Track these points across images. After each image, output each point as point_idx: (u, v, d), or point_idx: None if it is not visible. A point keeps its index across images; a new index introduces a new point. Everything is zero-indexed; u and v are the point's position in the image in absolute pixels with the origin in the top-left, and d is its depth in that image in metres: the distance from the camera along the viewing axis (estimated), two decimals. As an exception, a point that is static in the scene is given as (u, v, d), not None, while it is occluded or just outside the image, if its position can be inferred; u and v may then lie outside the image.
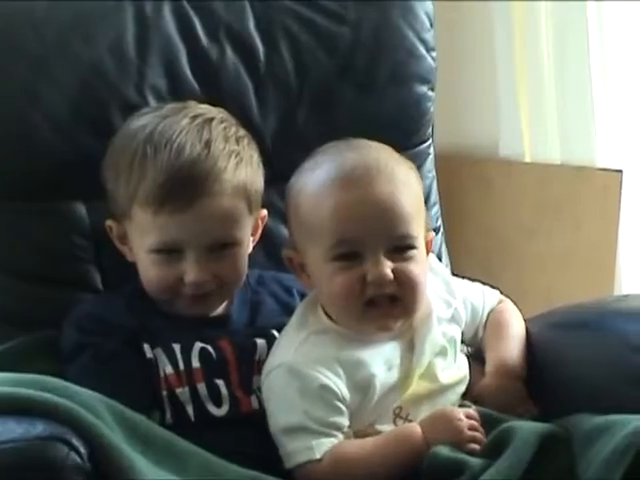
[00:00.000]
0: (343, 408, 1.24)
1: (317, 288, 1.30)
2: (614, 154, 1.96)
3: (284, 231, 1.42)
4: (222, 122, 1.34)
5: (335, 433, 1.24)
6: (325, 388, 1.24)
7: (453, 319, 1.35)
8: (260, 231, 1.39)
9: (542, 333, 1.38)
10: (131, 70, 1.45)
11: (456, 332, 1.35)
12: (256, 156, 1.36)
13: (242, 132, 1.36)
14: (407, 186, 1.27)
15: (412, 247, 1.26)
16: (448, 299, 1.36)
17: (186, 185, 1.28)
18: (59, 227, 1.43)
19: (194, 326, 1.34)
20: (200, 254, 1.30)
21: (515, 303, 1.42)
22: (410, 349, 1.30)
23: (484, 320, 1.40)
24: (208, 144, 1.30)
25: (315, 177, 1.27)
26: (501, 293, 1.43)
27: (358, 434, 1.26)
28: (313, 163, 1.29)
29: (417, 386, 1.29)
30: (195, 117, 1.32)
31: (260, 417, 1.27)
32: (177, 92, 1.46)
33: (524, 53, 1.99)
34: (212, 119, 1.33)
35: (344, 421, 1.24)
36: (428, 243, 1.32)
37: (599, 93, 1.94)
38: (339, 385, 1.24)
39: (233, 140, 1.32)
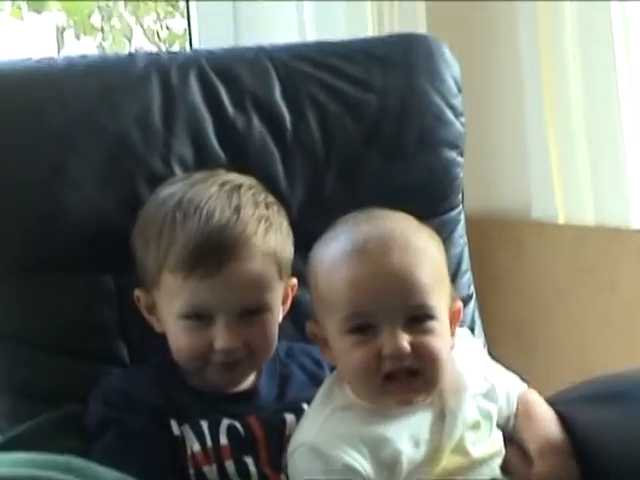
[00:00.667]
0: None
1: (337, 361, 1.27)
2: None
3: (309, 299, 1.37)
4: (251, 188, 1.33)
5: None
6: (349, 468, 1.19)
7: (489, 395, 1.30)
8: (290, 300, 1.37)
9: (578, 409, 1.33)
10: (157, 141, 1.43)
11: (492, 408, 1.30)
12: (285, 223, 1.35)
13: (271, 199, 1.35)
14: (424, 255, 1.23)
15: (430, 318, 1.22)
16: (485, 373, 1.32)
17: (216, 250, 1.26)
18: (86, 299, 1.40)
19: (221, 402, 1.31)
20: (230, 320, 1.28)
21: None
22: (440, 422, 1.25)
23: (515, 407, 1.34)
24: (237, 210, 1.28)
25: (331, 250, 1.26)
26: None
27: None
28: (331, 235, 1.28)
29: (447, 462, 1.24)
30: (224, 184, 1.31)
31: None
32: (203, 162, 1.43)
33: (554, 115, 1.95)
34: (241, 186, 1.32)
35: None
36: (455, 313, 1.28)
37: (633, 151, 1.88)
38: (363, 464, 1.20)
39: (263, 206, 1.31)
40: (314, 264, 1.27)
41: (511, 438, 1.31)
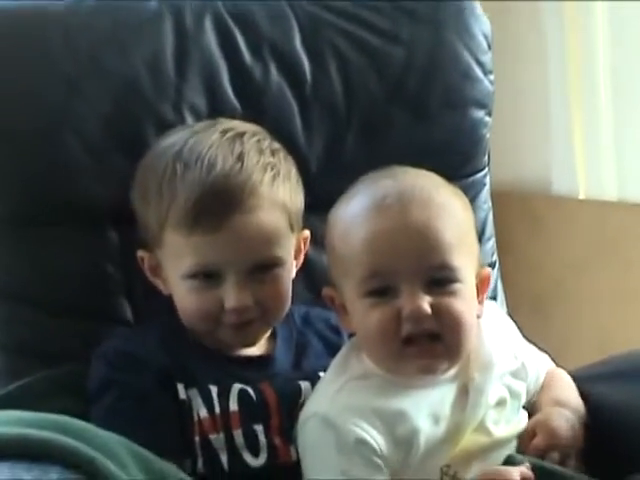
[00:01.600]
0: (382, 466, 1.10)
1: (355, 327, 1.17)
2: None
3: (326, 262, 1.28)
4: (255, 135, 1.23)
5: None
6: (362, 442, 1.10)
7: (518, 374, 1.20)
8: (303, 255, 1.27)
9: (598, 387, 1.24)
10: (168, 87, 1.33)
11: (521, 387, 1.20)
12: (294, 171, 1.25)
13: (277, 145, 1.25)
14: (447, 212, 1.13)
15: (453, 280, 1.12)
16: (515, 351, 1.21)
17: (219, 201, 1.17)
18: (88, 254, 1.30)
19: (234, 366, 1.22)
20: (240, 277, 1.18)
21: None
22: (463, 398, 1.15)
23: (541, 385, 1.25)
24: (241, 157, 1.19)
25: (349, 208, 1.16)
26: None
27: (401, 495, 1.11)
28: (350, 193, 1.18)
29: (467, 441, 1.14)
30: (225, 131, 1.22)
31: (299, 469, 1.14)
32: (217, 112, 1.33)
33: (579, 84, 1.88)
34: (244, 133, 1.23)
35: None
36: (483, 280, 1.18)
37: None
38: (377, 439, 1.10)
39: (268, 152, 1.22)
40: (332, 225, 1.18)
41: (530, 414, 1.22)
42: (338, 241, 1.16)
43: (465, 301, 1.13)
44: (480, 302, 1.17)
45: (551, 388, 1.23)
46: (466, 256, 1.14)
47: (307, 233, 1.27)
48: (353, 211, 1.15)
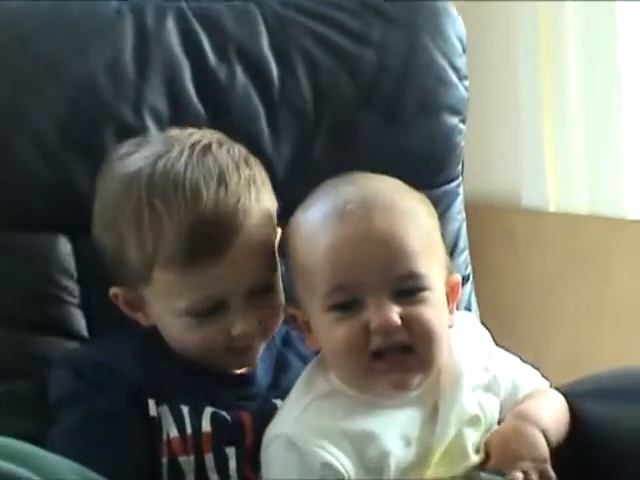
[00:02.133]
0: None
1: (320, 343, 1.10)
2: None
3: None
4: (221, 144, 1.14)
5: None
6: (328, 467, 1.02)
7: (490, 388, 1.12)
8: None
9: (587, 404, 1.17)
10: (128, 89, 1.26)
11: (494, 403, 1.12)
12: (264, 172, 1.18)
13: (243, 150, 1.17)
14: (411, 218, 1.07)
15: (422, 288, 1.05)
16: (486, 363, 1.13)
17: (214, 232, 1.08)
18: (40, 264, 1.22)
19: (212, 384, 1.14)
20: (245, 301, 1.11)
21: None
22: (433, 418, 1.08)
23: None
24: (222, 179, 1.10)
25: (308, 216, 1.09)
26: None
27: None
28: (309, 201, 1.11)
29: (441, 466, 1.06)
30: (193, 146, 1.12)
31: None
32: (180, 115, 1.26)
33: (550, 94, 1.83)
34: (210, 144, 1.14)
35: None
36: (453, 288, 1.11)
37: (631, 138, 1.77)
38: (344, 463, 1.03)
39: (243, 164, 1.14)
40: (290, 235, 1.11)
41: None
42: (298, 253, 1.09)
43: (435, 309, 1.06)
44: (450, 311, 1.10)
45: (524, 402, 1.15)
46: (433, 263, 1.07)
47: (278, 231, 1.19)
48: (312, 219, 1.08)
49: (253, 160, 1.17)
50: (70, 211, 1.21)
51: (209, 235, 1.08)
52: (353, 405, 1.06)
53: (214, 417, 1.11)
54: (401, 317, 1.03)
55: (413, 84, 1.35)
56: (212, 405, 1.11)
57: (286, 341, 1.21)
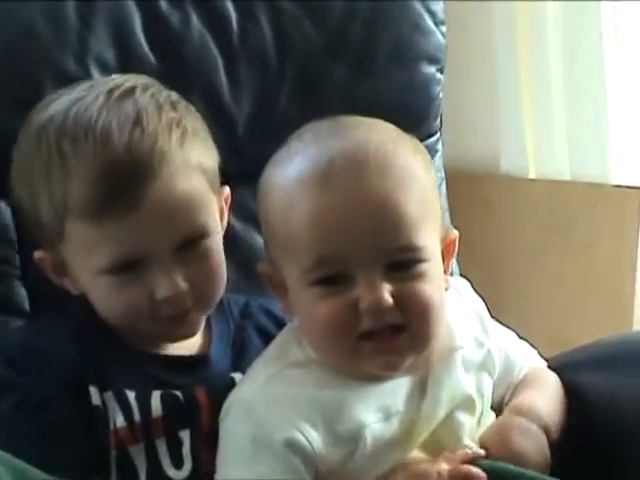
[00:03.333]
0: (305, 475, 0.91)
1: (297, 315, 0.97)
2: (631, 169, 1.70)
3: (259, 240, 1.11)
4: (147, 89, 1.02)
5: None
6: (291, 444, 0.91)
7: (484, 366, 1.00)
8: (226, 217, 1.09)
9: (583, 376, 1.06)
10: (69, 36, 1.14)
11: (488, 384, 1.00)
12: (200, 122, 1.05)
13: (175, 96, 1.05)
14: (410, 179, 0.93)
15: (419, 260, 0.93)
16: (480, 338, 1.01)
17: (126, 177, 0.97)
18: None
19: (161, 368, 1.02)
20: (167, 260, 0.99)
21: (521, 332, 1.11)
22: (420, 392, 0.96)
23: (517, 381, 1.05)
24: (139, 119, 0.98)
25: (286, 174, 0.95)
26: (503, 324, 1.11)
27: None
28: (285, 153, 0.97)
29: (431, 452, 0.94)
30: (112, 90, 1.01)
31: None
32: (128, 65, 1.14)
33: (528, 53, 1.74)
34: (133, 88, 1.02)
35: None
36: (449, 245, 0.98)
37: (614, 99, 1.68)
38: (312, 437, 0.91)
39: (168, 107, 1.01)
40: (264, 193, 0.97)
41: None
42: (275, 217, 0.95)
43: (433, 282, 0.94)
44: (445, 271, 0.97)
45: (523, 394, 1.02)
46: (432, 228, 0.94)
47: (227, 190, 1.08)
48: (292, 178, 0.94)
49: (185, 106, 1.04)
50: (6, 170, 1.05)
51: (120, 181, 0.97)
52: (328, 375, 0.94)
53: (165, 399, 0.99)
54: (395, 295, 0.91)
55: (385, 30, 1.26)
56: (163, 386, 1.00)
57: (245, 313, 1.09)
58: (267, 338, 1.06)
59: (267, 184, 0.97)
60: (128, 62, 1.15)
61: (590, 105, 1.69)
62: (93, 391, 0.98)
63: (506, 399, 1.03)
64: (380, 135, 0.95)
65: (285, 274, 0.95)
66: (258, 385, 0.94)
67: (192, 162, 1.00)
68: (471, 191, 1.78)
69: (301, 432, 0.91)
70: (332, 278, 0.92)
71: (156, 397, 0.99)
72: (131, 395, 0.99)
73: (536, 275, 1.74)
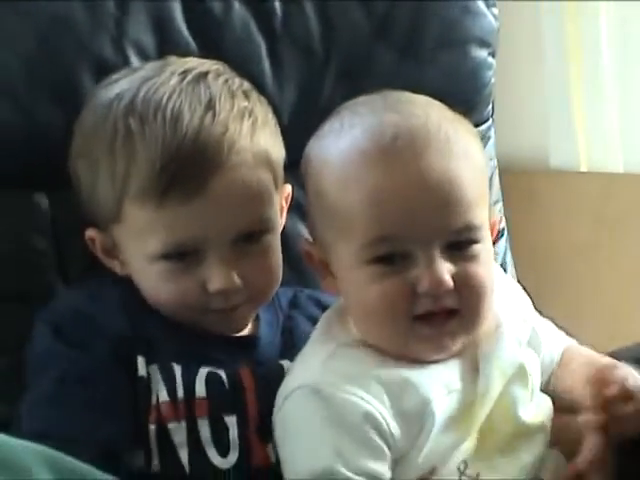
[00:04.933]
0: (387, 451, 0.89)
1: (345, 295, 0.95)
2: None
3: (304, 231, 1.09)
4: (220, 75, 1.02)
5: None
6: (368, 418, 0.88)
7: (531, 343, 0.99)
8: (284, 216, 1.07)
9: None
10: (107, 21, 1.10)
11: (534, 359, 0.98)
12: (271, 114, 1.04)
13: (247, 84, 1.04)
14: (469, 158, 0.92)
15: (474, 241, 0.92)
16: (523, 315, 1.00)
17: (193, 162, 0.95)
18: (11, 225, 1.06)
19: (209, 344, 1.00)
20: (224, 252, 0.98)
21: (572, 331, 1.09)
22: (474, 372, 0.94)
23: (557, 362, 1.03)
24: (211, 104, 0.98)
25: (342, 146, 0.92)
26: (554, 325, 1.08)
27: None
28: (338, 125, 0.94)
29: (489, 427, 0.92)
30: (185, 73, 1.00)
31: (278, 473, 0.93)
32: (168, 51, 1.09)
33: (579, 46, 1.69)
34: (207, 73, 1.01)
35: (386, 472, 0.89)
36: (492, 227, 0.97)
37: None
38: (384, 414, 0.89)
39: (241, 95, 1.01)
40: (314, 167, 0.95)
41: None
42: (330, 191, 0.92)
43: (486, 264, 0.93)
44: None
45: (575, 367, 1.01)
46: (485, 210, 0.94)
47: (289, 189, 1.06)
48: (348, 153, 0.91)
49: (257, 96, 1.03)
50: (45, 164, 1.05)
51: (186, 166, 0.95)
52: (382, 356, 0.92)
53: (210, 378, 0.97)
54: (453, 277, 0.90)
55: (434, 13, 1.22)
56: (209, 364, 0.98)
57: (294, 304, 1.08)
58: (315, 324, 1.02)
59: (320, 156, 0.94)
60: (167, 48, 1.11)
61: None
62: (140, 361, 0.96)
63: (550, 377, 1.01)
64: (437, 113, 0.94)
65: (334, 251, 0.93)
66: (317, 368, 0.91)
67: (261, 153, 0.99)
68: (518, 186, 1.70)
69: (375, 407, 0.89)
70: (389, 257, 0.90)
71: (201, 376, 0.97)
72: (177, 369, 0.97)
73: (588, 272, 1.70)
